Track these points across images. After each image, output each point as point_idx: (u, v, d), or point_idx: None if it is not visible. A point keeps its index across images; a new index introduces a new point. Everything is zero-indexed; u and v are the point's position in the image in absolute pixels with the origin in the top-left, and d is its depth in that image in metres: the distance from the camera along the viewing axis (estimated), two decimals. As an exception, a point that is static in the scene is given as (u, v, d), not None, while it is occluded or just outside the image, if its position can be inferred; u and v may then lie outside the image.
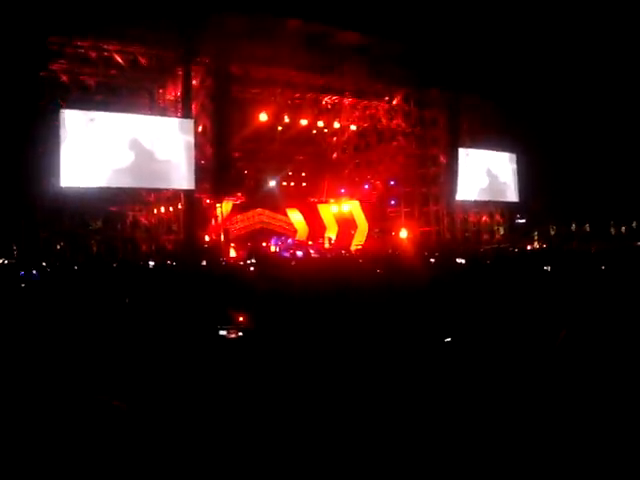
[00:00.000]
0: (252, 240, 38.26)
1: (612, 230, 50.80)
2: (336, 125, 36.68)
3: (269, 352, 5.57)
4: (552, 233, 49.16)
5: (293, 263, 22.71)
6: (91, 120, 27.21)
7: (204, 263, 23.58)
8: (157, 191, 29.79)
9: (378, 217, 41.18)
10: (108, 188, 28.27)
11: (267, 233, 40.54)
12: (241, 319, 6.65)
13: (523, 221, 46.19)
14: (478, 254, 25.54)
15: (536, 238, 46.75)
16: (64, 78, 27.30)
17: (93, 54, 27.38)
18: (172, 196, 30.46)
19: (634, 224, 51.26)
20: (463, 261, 19.56)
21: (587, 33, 36.76)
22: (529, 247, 40.78)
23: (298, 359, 5.37)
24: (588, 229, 50.86)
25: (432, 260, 22.26)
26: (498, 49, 35.11)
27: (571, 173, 40.90)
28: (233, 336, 5.91)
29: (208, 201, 31.25)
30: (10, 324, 7.48)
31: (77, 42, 26.87)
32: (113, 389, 4.78)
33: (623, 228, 51.59)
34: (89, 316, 7.91)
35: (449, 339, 5.75)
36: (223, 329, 6.02)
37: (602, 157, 40.62)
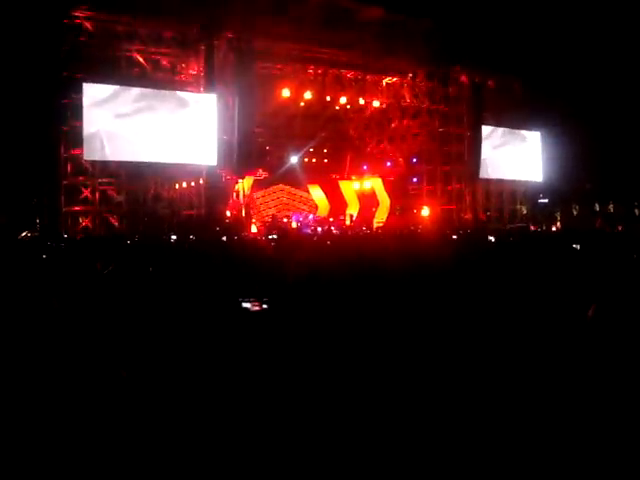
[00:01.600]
0: (272, 216, 38.31)
1: (636, 211, 50.32)
2: (359, 102, 36.41)
3: (292, 326, 5.53)
4: (575, 213, 48.80)
5: (315, 239, 22.66)
6: (113, 93, 27.27)
7: (224, 238, 23.56)
8: (179, 166, 29.76)
9: (400, 194, 41.01)
10: (130, 162, 28.40)
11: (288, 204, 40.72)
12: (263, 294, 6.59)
13: (546, 201, 45.81)
14: (502, 233, 25.33)
15: (559, 218, 46.43)
16: (86, 51, 27.26)
17: (116, 28, 27.33)
18: (194, 171, 30.46)
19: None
20: (492, 239, 19.38)
21: (615, 14, 36.25)
22: (553, 228, 40.55)
23: (318, 336, 5.33)
24: (612, 210, 50.45)
25: (455, 237, 22.20)
26: (524, 26, 34.72)
27: (595, 153, 40.48)
28: (257, 308, 5.84)
29: (229, 177, 31.25)
30: (35, 296, 7.51)
31: (101, 15, 26.84)
32: (130, 361, 4.77)
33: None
34: (111, 288, 7.92)
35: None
36: (246, 301, 5.94)
37: (627, 137, 40.16)
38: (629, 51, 37.27)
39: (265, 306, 5.83)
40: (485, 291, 7.19)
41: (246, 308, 5.89)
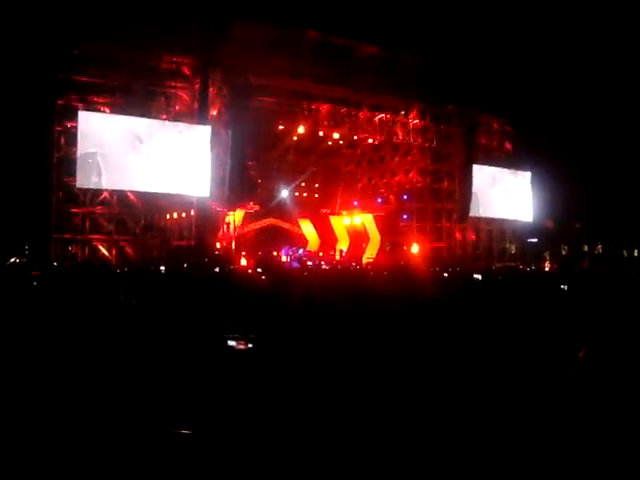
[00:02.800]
0: (263, 249, 38.34)
1: (624, 252, 50.60)
2: (352, 137, 36.66)
3: (276, 364, 5.51)
4: (563, 253, 49.01)
5: (305, 274, 22.63)
6: (108, 122, 27.41)
7: (217, 270, 23.51)
8: (171, 196, 29.81)
9: (390, 231, 41.10)
10: (122, 191, 28.47)
11: (278, 238, 40.60)
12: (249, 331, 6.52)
13: (535, 240, 45.98)
14: (491, 272, 25.43)
15: (547, 258, 46.59)
16: (82, 79, 27.45)
17: (112, 57, 27.50)
18: (185, 202, 30.49)
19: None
20: (479, 277, 19.42)
21: (602, 56, 36.77)
22: (544, 267, 40.70)
23: (306, 371, 5.32)
24: (600, 251, 50.71)
25: (445, 275, 22.24)
26: (516, 68, 35.13)
27: (584, 194, 40.80)
28: (242, 347, 5.76)
29: (220, 209, 31.31)
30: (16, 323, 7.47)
31: (98, 46, 27.01)
32: (115, 398, 4.75)
33: (636, 251, 51.40)
34: (94, 320, 7.88)
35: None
36: (231, 339, 5.86)
37: (616, 179, 40.50)
38: (617, 94, 37.74)
39: (250, 345, 5.76)
40: (472, 329, 7.22)
41: (231, 346, 5.81)
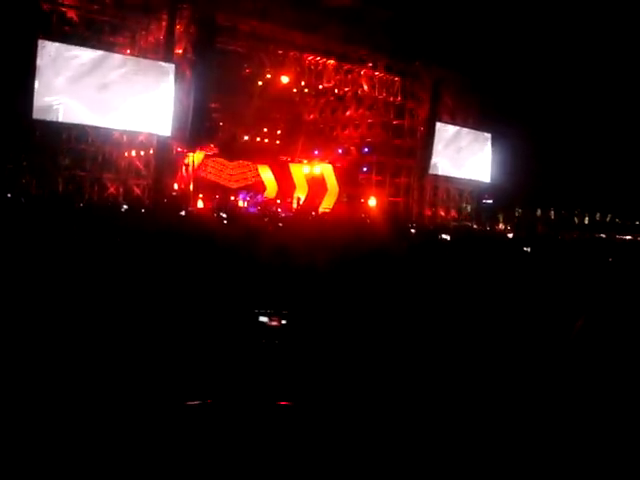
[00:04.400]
0: (220, 192, 38.14)
1: (575, 219, 51.53)
2: (317, 86, 36.38)
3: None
4: (517, 216, 49.72)
5: (266, 220, 22.62)
6: (70, 54, 26.70)
7: (182, 213, 23.29)
8: (130, 134, 29.31)
9: (349, 182, 41.13)
10: (80, 125, 27.87)
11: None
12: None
13: (490, 202, 46.49)
14: (448, 230, 25.64)
15: (501, 220, 47.20)
16: (45, 7, 26.62)
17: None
18: (145, 140, 30.02)
19: (597, 216, 52.10)
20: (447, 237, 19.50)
21: (566, 17, 36.90)
22: (498, 229, 41.24)
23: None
24: (552, 216, 51.55)
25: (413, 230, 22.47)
26: (484, 28, 35.04)
27: (542, 159, 41.28)
28: (275, 324, 5.57)
29: (180, 149, 30.95)
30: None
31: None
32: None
33: (586, 219, 52.39)
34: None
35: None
36: (263, 314, 5.61)
37: (574, 147, 41.02)
38: (579, 58, 38.02)
39: (284, 321, 5.58)
40: (442, 288, 7.29)
41: (263, 322, 5.60)
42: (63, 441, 3.40)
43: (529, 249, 14.18)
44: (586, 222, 51.56)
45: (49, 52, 26.21)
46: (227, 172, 40.93)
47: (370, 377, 4.64)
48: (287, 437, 3.61)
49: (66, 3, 26.91)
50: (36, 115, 26.31)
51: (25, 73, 26.46)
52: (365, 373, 4.74)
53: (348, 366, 4.89)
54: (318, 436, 3.64)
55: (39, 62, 25.91)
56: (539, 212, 51.08)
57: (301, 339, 5.41)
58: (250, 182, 42.29)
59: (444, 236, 19.63)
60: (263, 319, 5.38)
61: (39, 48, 25.99)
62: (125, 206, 24.13)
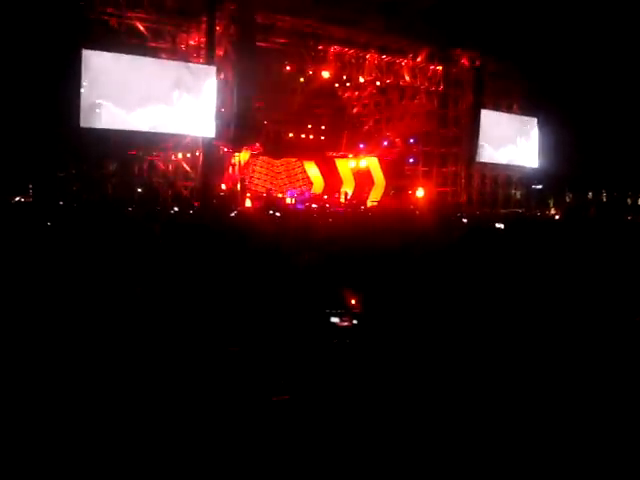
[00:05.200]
0: (267, 190, 38.31)
1: (629, 200, 50.46)
2: (359, 80, 36.30)
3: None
4: (568, 200, 48.91)
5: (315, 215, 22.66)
6: (113, 61, 27.09)
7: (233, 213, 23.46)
8: (176, 137, 29.64)
9: (395, 175, 40.92)
10: (127, 131, 28.25)
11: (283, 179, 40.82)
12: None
13: (540, 187, 45.85)
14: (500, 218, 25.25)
15: (552, 205, 46.51)
16: (88, 17, 27.04)
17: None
18: (190, 143, 30.31)
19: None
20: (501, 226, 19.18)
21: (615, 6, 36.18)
22: (549, 214, 40.68)
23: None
24: (605, 199, 50.58)
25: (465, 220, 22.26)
26: (527, 11, 34.56)
27: (591, 142, 40.55)
28: (346, 324, 5.53)
29: (225, 149, 31.17)
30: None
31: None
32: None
33: (640, 200, 51.24)
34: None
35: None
36: (334, 314, 5.58)
37: (623, 128, 40.21)
38: (627, 42, 37.21)
39: (355, 321, 5.54)
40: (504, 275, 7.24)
41: (334, 323, 5.55)
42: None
43: (584, 234, 13.92)
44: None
45: (92, 61, 26.63)
46: (275, 170, 41.15)
47: (443, 374, 4.61)
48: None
49: (108, 11, 27.26)
50: (83, 123, 26.77)
51: (71, 82, 26.95)
52: (437, 369, 4.71)
53: (421, 361, 4.87)
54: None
55: (84, 71, 26.36)
56: (590, 195, 50.12)
57: (373, 337, 5.39)
58: (298, 181, 42.45)
59: (496, 225, 19.35)
60: (334, 319, 5.38)
61: (83, 57, 26.45)
62: (175, 208, 24.41)
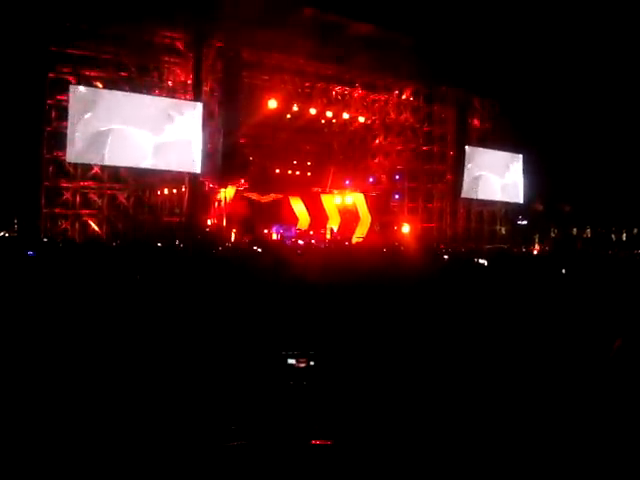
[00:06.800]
0: (253, 226, 38.21)
1: (613, 236, 50.81)
2: (344, 116, 36.53)
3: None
4: (552, 236, 49.15)
5: (299, 252, 22.64)
6: (100, 97, 27.15)
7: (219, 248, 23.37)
8: (161, 173, 29.64)
9: (381, 210, 41.06)
10: (113, 166, 28.28)
11: (268, 215, 40.66)
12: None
13: (525, 223, 46.12)
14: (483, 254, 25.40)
15: (537, 241, 46.72)
16: (75, 52, 27.15)
17: (106, 31, 27.15)
18: (177, 178, 30.31)
19: (635, 231, 51.34)
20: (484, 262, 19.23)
21: (596, 40, 36.68)
22: (534, 250, 40.80)
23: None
24: (589, 234, 50.92)
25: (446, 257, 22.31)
26: (509, 50, 34.99)
27: (575, 177, 40.89)
28: (302, 365, 5.48)
29: (211, 185, 31.18)
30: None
31: (91, 19, 26.65)
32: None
33: (624, 235, 51.64)
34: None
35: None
36: (291, 356, 5.53)
37: (606, 163, 40.59)
38: (608, 78, 37.73)
39: (312, 362, 5.50)
40: (480, 312, 7.19)
41: (291, 364, 5.49)
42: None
43: (568, 269, 13.97)
44: (624, 239, 50.80)
45: (80, 95, 26.69)
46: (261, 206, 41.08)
47: (405, 411, 4.56)
48: (323, 476, 3.56)
49: (93, 47, 27.36)
50: (69, 159, 26.77)
51: (58, 118, 27.02)
52: (400, 405, 4.66)
53: (383, 396, 4.81)
54: (354, 473, 3.59)
55: (71, 106, 26.38)
56: (575, 231, 50.44)
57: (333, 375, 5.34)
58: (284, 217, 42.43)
59: (479, 260, 19.41)
60: (291, 361, 5.33)
61: (70, 92, 26.50)
62: (159, 244, 24.30)
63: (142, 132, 28.03)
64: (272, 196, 40.66)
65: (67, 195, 28.07)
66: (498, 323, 6.95)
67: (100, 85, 27.78)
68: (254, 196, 38.90)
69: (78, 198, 28.36)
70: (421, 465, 3.69)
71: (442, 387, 4.98)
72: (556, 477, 3.42)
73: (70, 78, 27.16)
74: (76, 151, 26.63)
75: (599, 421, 3.66)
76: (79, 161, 27.22)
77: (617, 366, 3.86)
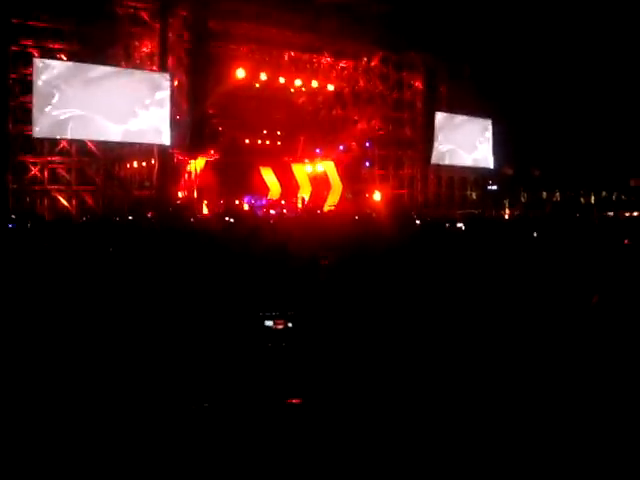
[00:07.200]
0: (224, 197, 37.99)
1: (582, 199, 51.25)
2: (314, 85, 36.31)
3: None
4: (523, 200, 49.49)
5: (272, 222, 22.64)
6: (66, 70, 26.72)
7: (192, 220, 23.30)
8: (131, 145, 29.34)
9: (352, 178, 40.95)
10: (81, 140, 27.94)
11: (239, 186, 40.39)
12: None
13: (495, 187, 46.34)
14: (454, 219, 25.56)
15: (507, 205, 47.02)
16: (38, 25, 26.66)
17: (69, 2, 26.64)
18: (145, 150, 30.03)
19: (603, 194, 51.89)
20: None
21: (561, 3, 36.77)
22: (505, 214, 41.09)
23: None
24: (558, 198, 51.32)
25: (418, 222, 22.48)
26: (477, 14, 34.93)
27: (543, 141, 41.13)
28: (280, 327, 5.50)
29: (180, 157, 30.92)
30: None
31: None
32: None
33: (592, 198, 52.12)
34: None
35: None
36: (268, 318, 5.55)
37: (574, 126, 40.84)
38: (579, 41, 37.83)
39: (290, 324, 5.52)
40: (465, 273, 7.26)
41: (268, 326, 5.52)
42: (65, 440, 3.40)
43: (539, 232, 14.12)
44: (592, 201, 51.31)
45: (45, 69, 26.23)
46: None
47: (379, 373, 4.60)
48: (295, 434, 3.62)
49: (56, 19, 26.86)
50: (37, 133, 26.38)
51: (23, 92, 26.58)
52: (374, 369, 4.70)
53: (358, 362, 4.85)
54: (325, 432, 3.64)
55: (36, 80, 25.94)
56: (544, 195, 50.84)
57: (311, 337, 5.38)
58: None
59: (454, 225, 19.58)
60: (269, 323, 5.35)
61: (35, 66, 26.03)
62: (130, 217, 24.16)
63: (109, 105, 27.64)
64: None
65: (35, 171, 27.70)
66: (475, 284, 7.02)
67: (64, 58, 27.31)
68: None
69: (46, 173, 28.01)
70: (386, 425, 3.75)
71: (420, 351, 5.03)
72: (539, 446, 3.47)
73: (33, 51, 26.67)
74: (42, 126, 26.25)
75: (583, 377, 3.72)
76: (45, 136, 26.84)
77: (596, 319, 3.93)
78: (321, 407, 4.00)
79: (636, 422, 3.43)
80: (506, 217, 37.24)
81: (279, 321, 5.36)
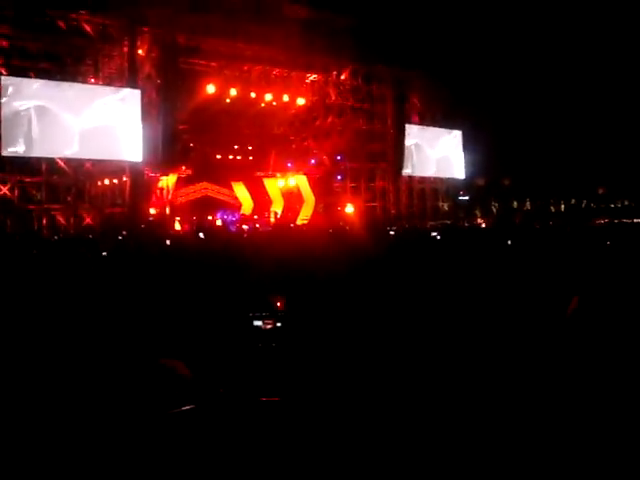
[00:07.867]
0: (198, 213, 37.88)
1: (552, 208, 51.83)
2: (284, 99, 36.39)
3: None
4: (494, 210, 49.96)
5: (245, 237, 22.59)
6: (34, 88, 26.50)
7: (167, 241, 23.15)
8: (101, 162, 29.16)
9: (324, 192, 41.02)
10: (51, 158, 27.70)
11: (212, 204, 40.29)
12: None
13: (466, 198, 46.73)
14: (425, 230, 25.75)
15: (479, 215, 47.42)
16: (4, 44, 26.49)
17: (36, 20, 26.50)
18: (116, 168, 29.87)
19: (573, 201, 52.54)
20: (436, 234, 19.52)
21: (529, 11, 37.24)
22: (477, 224, 41.37)
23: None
24: (529, 207, 51.89)
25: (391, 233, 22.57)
26: (446, 26, 35.32)
27: (514, 151, 41.59)
28: (269, 326, 5.49)
29: (152, 174, 30.81)
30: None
31: (19, 7, 26.00)
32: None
33: (562, 206, 52.74)
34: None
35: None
36: (257, 318, 5.54)
37: (543, 136, 41.35)
38: (546, 53, 38.34)
39: (279, 324, 5.52)
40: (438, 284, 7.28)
41: (258, 326, 5.51)
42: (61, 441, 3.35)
43: (511, 241, 14.27)
44: (562, 209, 51.94)
45: (12, 87, 26.00)
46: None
47: (363, 376, 4.60)
48: (288, 434, 3.60)
49: (26, 38, 26.71)
50: (4, 152, 26.09)
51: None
52: (357, 373, 4.70)
53: (339, 368, 4.85)
54: (310, 433, 3.63)
55: (3, 98, 25.69)
56: (515, 204, 51.40)
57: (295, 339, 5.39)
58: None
59: (428, 235, 19.72)
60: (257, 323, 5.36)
61: (2, 85, 25.79)
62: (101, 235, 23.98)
63: (80, 122, 27.44)
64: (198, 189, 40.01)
65: (5, 190, 27.42)
66: (454, 291, 7.06)
67: (32, 76, 27.11)
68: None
69: (16, 192, 27.76)
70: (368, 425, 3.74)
71: (399, 354, 5.04)
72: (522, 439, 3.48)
73: (1, 69, 26.48)
74: (12, 143, 25.99)
75: (559, 381, 3.74)
76: (15, 154, 26.53)
77: (573, 326, 3.95)
78: (311, 406, 3.98)
79: (620, 423, 3.45)
80: (481, 227, 37.48)
81: (268, 321, 5.37)
